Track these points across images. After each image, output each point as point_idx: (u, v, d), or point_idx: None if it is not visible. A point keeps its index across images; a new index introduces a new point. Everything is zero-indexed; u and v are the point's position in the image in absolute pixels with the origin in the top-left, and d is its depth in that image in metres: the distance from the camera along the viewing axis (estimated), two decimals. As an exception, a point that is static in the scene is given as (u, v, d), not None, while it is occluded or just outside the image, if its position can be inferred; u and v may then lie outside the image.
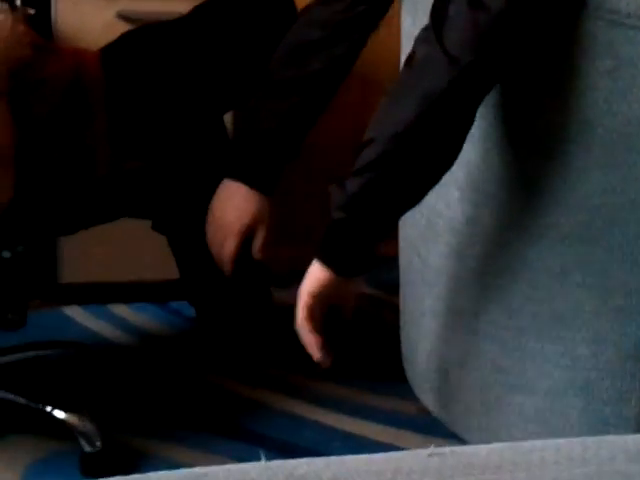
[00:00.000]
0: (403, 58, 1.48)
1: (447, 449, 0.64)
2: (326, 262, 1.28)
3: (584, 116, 1.18)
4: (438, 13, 1.16)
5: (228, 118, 1.84)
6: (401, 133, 1.18)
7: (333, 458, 0.64)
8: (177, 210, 1.73)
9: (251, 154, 1.56)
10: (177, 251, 1.80)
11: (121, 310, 1.99)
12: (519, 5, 1.11)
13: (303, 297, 1.29)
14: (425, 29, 1.18)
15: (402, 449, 0.68)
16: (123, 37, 1.65)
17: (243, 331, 1.82)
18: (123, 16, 1.90)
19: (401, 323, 1.64)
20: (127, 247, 2.00)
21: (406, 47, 1.47)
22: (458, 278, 1.40)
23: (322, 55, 1.52)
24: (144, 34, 1.66)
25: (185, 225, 1.74)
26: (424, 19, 1.23)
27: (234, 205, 1.56)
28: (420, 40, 1.19)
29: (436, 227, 1.41)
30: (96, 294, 2.04)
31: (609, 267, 1.22)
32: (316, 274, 1.28)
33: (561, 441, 0.67)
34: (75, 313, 1.98)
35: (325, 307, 1.30)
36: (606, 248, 1.22)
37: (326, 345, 1.29)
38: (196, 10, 1.64)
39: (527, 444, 0.66)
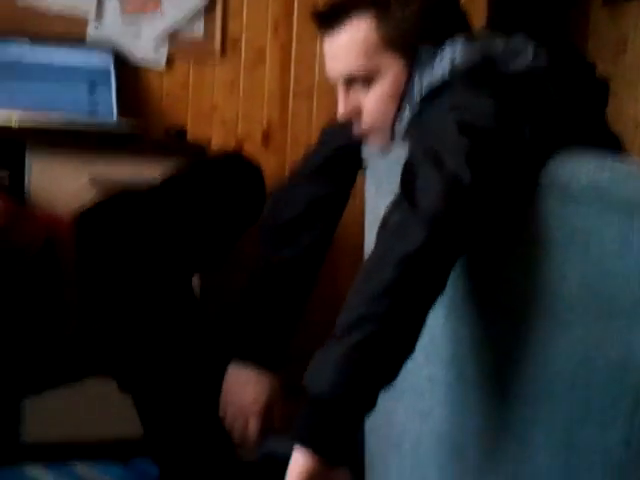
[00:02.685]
0: (368, 224, 1.54)
1: None
2: (317, 449, 1.10)
3: (539, 285, 1.23)
4: (408, 184, 1.20)
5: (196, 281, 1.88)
6: (379, 295, 1.14)
7: None
8: (143, 369, 1.74)
9: (258, 336, 1.68)
10: (141, 410, 1.80)
11: (85, 470, 1.98)
12: (483, 178, 1.16)
13: None
14: (396, 200, 1.21)
15: None
16: (95, 205, 1.70)
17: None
18: (96, 181, 1.95)
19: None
20: (90, 405, 2.00)
21: (370, 215, 1.53)
22: (420, 437, 1.42)
23: (304, 235, 1.67)
24: (115, 202, 1.71)
25: (150, 384, 1.75)
26: (387, 188, 1.31)
27: (250, 389, 1.67)
28: (393, 207, 1.21)
29: (402, 384, 1.43)
30: (60, 453, 2.03)
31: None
32: (302, 466, 1.10)
33: None
34: (38, 473, 1.96)
35: None
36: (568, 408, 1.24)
37: None
38: (166, 181, 1.71)
39: None
